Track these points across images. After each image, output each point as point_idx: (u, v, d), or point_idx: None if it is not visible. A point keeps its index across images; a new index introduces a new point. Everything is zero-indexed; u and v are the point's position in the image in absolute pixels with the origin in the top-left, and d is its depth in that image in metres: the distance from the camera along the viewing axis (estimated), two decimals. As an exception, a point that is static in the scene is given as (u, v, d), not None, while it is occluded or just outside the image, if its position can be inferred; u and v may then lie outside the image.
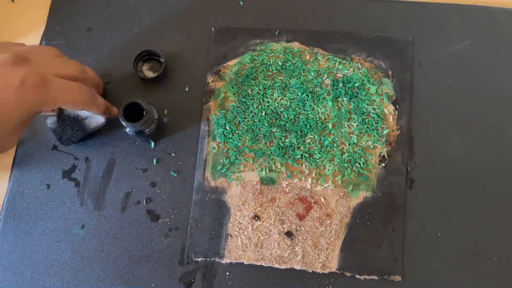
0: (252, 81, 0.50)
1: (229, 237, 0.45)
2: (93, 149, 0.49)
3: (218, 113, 0.49)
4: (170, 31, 0.53)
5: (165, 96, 0.51)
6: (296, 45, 0.51)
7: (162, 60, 0.49)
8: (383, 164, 0.47)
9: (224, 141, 0.48)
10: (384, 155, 0.47)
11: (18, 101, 0.35)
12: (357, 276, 0.44)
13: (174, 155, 0.49)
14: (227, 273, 0.45)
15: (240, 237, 0.45)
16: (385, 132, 0.47)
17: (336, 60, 0.50)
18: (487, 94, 0.49)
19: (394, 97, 0.48)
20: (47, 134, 0.49)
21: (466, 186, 0.47)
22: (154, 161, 0.48)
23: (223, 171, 0.47)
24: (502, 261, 0.45)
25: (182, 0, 0.54)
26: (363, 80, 0.49)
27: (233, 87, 0.50)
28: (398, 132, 0.48)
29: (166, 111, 0.50)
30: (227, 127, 0.48)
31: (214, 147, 0.48)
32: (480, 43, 0.51)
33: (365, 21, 0.52)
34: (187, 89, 0.51)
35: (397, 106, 0.48)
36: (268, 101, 0.49)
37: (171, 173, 0.48)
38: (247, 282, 0.45)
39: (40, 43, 0.53)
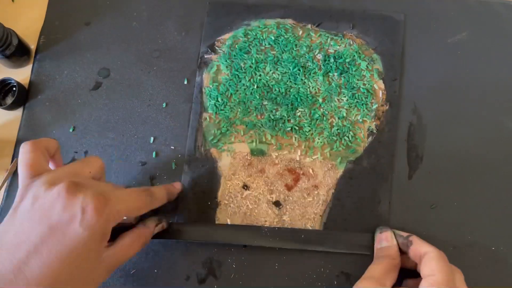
0: (245, 55, 0.50)
1: (219, 205, 0.46)
2: (93, 142, 0.50)
3: (210, 86, 0.50)
4: (169, 25, 0.53)
5: (165, 89, 0.51)
6: (289, 21, 0.52)
7: (14, 84, 0.50)
8: (372, 138, 0.48)
9: (216, 113, 0.49)
10: (372, 129, 0.48)
11: (87, 231, 0.32)
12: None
13: (173, 147, 0.49)
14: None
15: (230, 206, 0.46)
16: (374, 107, 0.48)
17: (328, 36, 0.51)
18: (484, 86, 0.49)
19: (383, 74, 0.49)
20: (47, 130, 0.50)
21: (464, 176, 0.47)
22: (154, 154, 0.49)
23: (215, 141, 0.48)
24: (499, 250, 0.45)
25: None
26: (354, 56, 0.50)
27: (226, 61, 0.50)
28: (387, 107, 0.48)
29: (164, 105, 0.50)
30: (219, 99, 0.49)
31: (206, 118, 0.49)
32: (477, 35, 0.51)
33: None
34: (185, 82, 0.51)
35: (386, 82, 0.49)
36: (260, 75, 0.50)
37: (172, 164, 0.48)
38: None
39: (39, 38, 0.54)
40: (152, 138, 0.49)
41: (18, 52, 0.51)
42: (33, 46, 0.54)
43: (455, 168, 0.47)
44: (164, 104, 0.50)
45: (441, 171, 0.47)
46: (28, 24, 0.54)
